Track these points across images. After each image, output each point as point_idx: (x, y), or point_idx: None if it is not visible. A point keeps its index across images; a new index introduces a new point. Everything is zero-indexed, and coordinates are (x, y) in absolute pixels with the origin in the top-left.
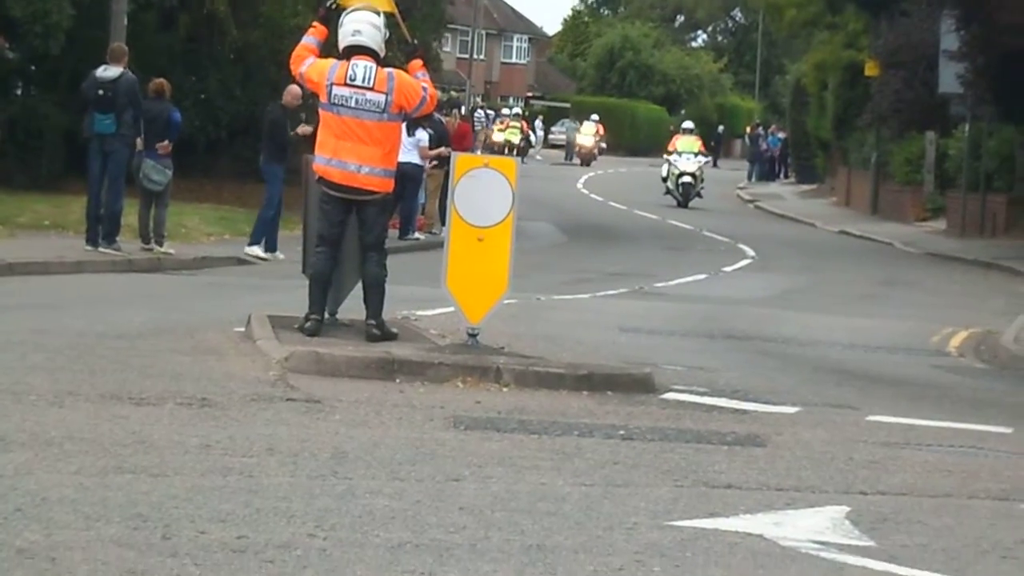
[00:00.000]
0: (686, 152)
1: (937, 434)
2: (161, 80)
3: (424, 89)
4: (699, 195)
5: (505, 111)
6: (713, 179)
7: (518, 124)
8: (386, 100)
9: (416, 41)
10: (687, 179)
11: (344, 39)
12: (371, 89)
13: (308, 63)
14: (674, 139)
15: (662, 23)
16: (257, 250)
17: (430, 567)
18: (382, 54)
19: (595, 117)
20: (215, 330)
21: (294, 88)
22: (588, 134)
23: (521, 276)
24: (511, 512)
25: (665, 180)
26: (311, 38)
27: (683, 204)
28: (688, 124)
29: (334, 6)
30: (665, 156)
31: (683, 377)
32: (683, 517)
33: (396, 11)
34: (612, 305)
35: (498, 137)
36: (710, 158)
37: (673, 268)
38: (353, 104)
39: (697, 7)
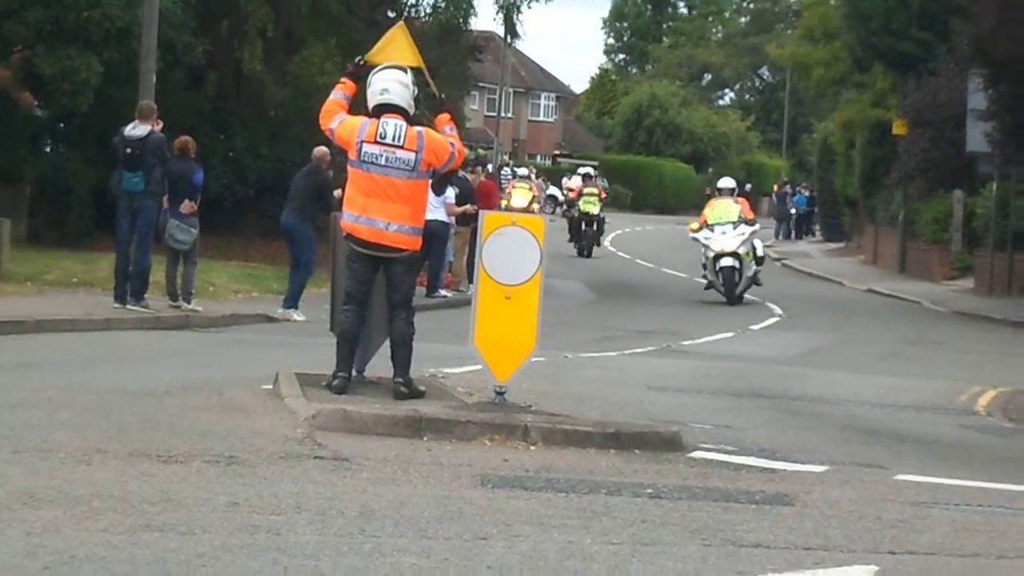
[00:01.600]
0: (722, 223)
1: (966, 493)
2: (186, 138)
3: (452, 144)
4: (756, 282)
5: (522, 171)
6: None
7: (526, 185)
8: (416, 158)
9: (443, 95)
10: (728, 261)
11: (373, 98)
12: (401, 147)
13: (338, 119)
14: (707, 205)
15: (689, 81)
16: (293, 314)
17: None
18: (411, 112)
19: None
20: (243, 387)
21: (324, 149)
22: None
23: (548, 334)
24: (539, 571)
25: (704, 268)
26: (340, 93)
27: (730, 300)
28: (727, 183)
29: (363, 63)
30: (691, 233)
31: (711, 435)
32: None
33: (424, 67)
34: (639, 363)
35: (518, 202)
36: (757, 225)
37: (700, 326)
38: (383, 162)
39: (724, 66)
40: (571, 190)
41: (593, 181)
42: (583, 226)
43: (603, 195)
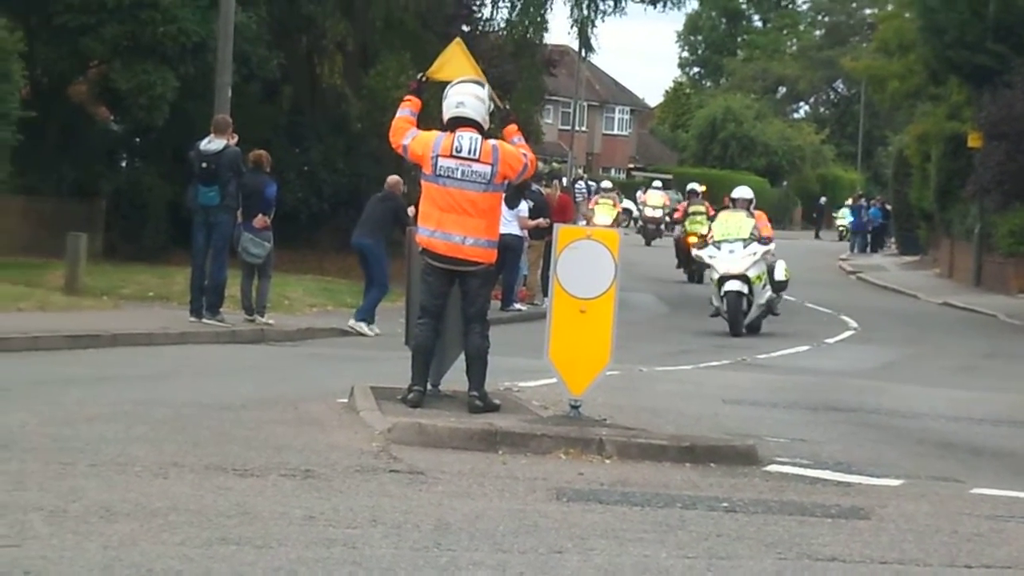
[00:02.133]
0: (731, 239)
1: None
2: (260, 152)
3: (524, 155)
4: (773, 312)
5: (606, 184)
6: (815, 250)
7: (609, 200)
8: (492, 171)
9: (507, 106)
10: (734, 285)
11: (448, 111)
12: (477, 160)
13: (411, 135)
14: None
15: (764, 94)
16: (364, 327)
17: None
18: (486, 126)
19: (658, 183)
20: (318, 401)
21: (397, 177)
22: (655, 204)
23: (623, 347)
24: None
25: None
26: (407, 111)
27: (734, 331)
28: (743, 192)
29: (425, 79)
30: (694, 250)
31: (786, 449)
32: None
33: (482, 76)
34: (714, 377)
35: (602, 219)
36: (772, 244)
37: (776, 340)
38: (459, 176)
39: (799, 79)
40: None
41: (699, 199)
42: (693, 249)
43: (711, 212)
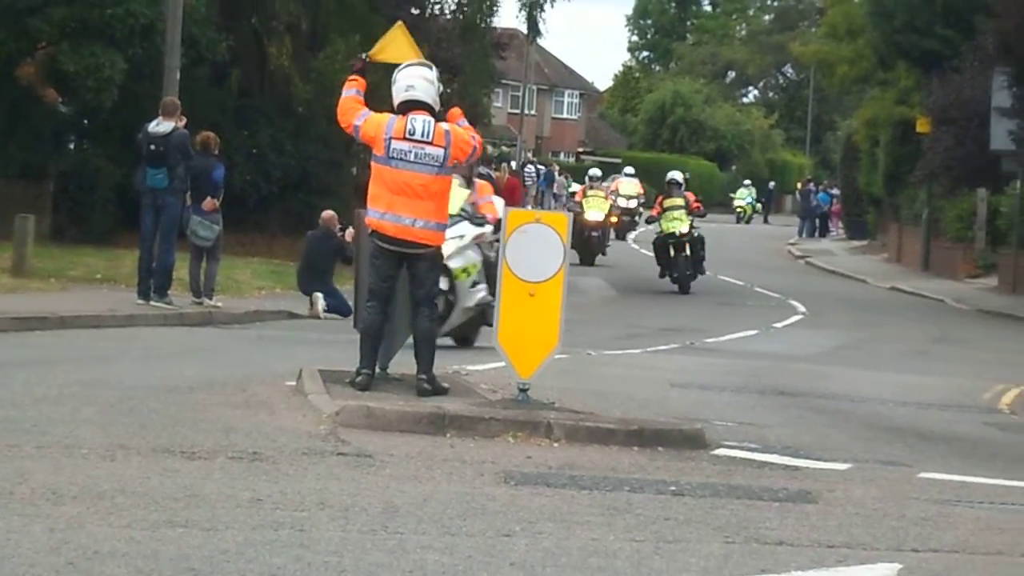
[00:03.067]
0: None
1: (989, 491)
2: (208, 134)
3: (473, 138)
4: (487, 322)
5: (594, 172)
6: (764, 235)
7: (601, 192)
8: (444, 154)
9: (448, 90)
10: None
11: (399, 95)
12: (430, 143)
13: (363, 116)
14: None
15: (713, 79)
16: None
17: None
18: (437, 108)
19: (630, 170)
20: (266, 384)
21: (331, 213)
22: (629, 194)
23: (571, 331)
24: (562, 568)
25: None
26: (354, 90)
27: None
28: (594, 172)
29: (367, 59)
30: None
31: (734, 433)
32: (735, 574)
33: (422, 59)
34: (663, 360)
35: (594, 215)
36: (487, 227)
37: (724, 324)
38: (412, 158)
39: (748, 63)
40: (627, 195)
41: (680, 190)
42: (672, 251)
43: (696, 205)
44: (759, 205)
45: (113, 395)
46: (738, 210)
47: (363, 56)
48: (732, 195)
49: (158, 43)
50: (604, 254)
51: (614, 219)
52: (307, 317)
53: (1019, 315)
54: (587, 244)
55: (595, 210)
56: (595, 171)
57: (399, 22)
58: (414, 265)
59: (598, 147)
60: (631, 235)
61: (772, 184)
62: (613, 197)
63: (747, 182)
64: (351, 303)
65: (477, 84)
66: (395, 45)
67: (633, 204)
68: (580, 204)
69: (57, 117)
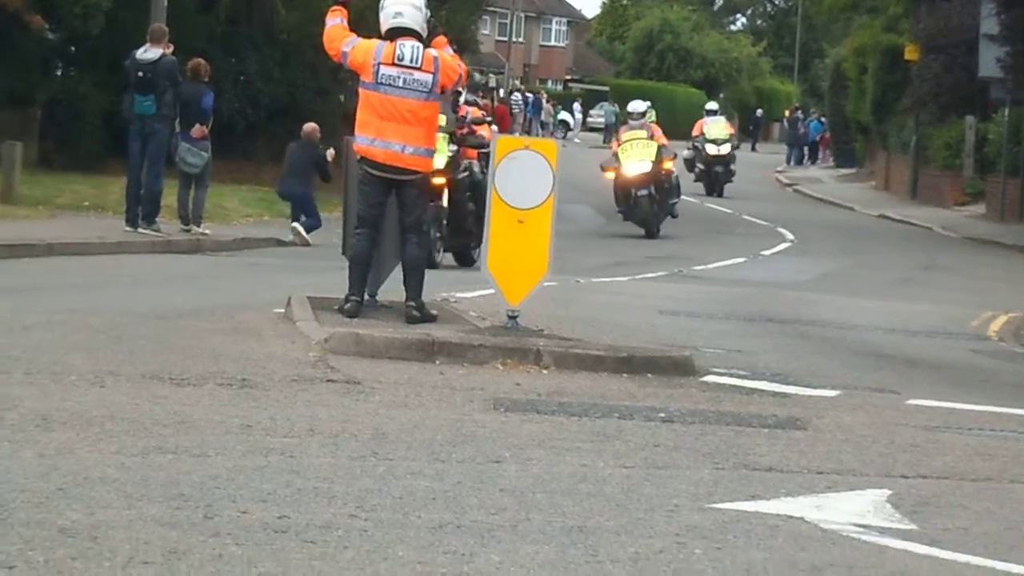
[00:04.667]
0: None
1: (978, 418)
2: (198, 60)
3: (459, 65)
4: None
5: (637, 105)
6: (752, 163)
7: (643, 132)
8: (433, 79)
9: (434, 21)
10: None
11: (387, 21)
12: (419, 69)
13: (350, 42)
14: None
15: (701, 6)
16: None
17: (471, 548)
18: (424, 35)
19: (712, 106)
20: (255, 311)
21: (313, 125)
22: (719, 137)
23: (560, 258)
24: (552, 494)
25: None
26: (339, 19)
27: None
28: (712, 105)
29: None
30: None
31: (723, 360)
32: (724, 500)
33: None
34: (651, 288)
35: (633, 168)
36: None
37: (712, 251)
38: (401, 84)
39: None
40: (716, 139)
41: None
42: (632, 194)
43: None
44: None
45: (101, 322)
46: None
47: None
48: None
49: None
50: (674, 215)
51: (668, 165)
52: (291, 245)
53: (1007, 242)
54: (637, 208)
55: (636, 159)
56: (637, 104)
57: None
58: (403, 192)
59: (586, 75)
60: (727, 187)
61: (760, 112)
62: (697, 145)
63: (712, 106)
64: (339, 233)
65: (464, 11)
66: None
67: (725, 149)
68: (616, 156)
69: (44, 44)
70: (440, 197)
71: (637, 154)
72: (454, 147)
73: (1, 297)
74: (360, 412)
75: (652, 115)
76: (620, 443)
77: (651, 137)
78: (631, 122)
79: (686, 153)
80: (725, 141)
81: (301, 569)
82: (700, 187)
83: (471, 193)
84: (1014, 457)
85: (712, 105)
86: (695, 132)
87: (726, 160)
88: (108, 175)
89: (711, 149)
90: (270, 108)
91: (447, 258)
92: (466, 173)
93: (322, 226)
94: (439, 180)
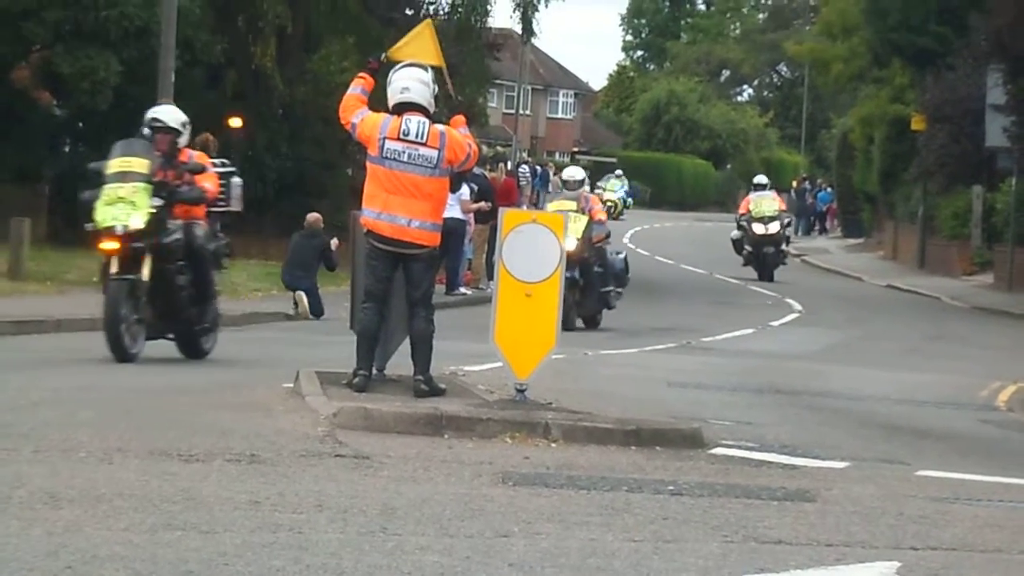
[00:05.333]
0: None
1: (987, 489)
2: (207, 135)
3: (469, 145)
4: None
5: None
6: None
7: (569, 204)
8: (439, 155)
9: (460, 98)
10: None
11: (393, 96)
12: (424, 144)
13: (360, 115)
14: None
15: (708, 78)
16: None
17: None
18: (432, 110)
19: (762, 179)
20: (263, 386)
21: (316, 215)
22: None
23: (568, 331)
24: (561, 568)
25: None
26: (359, 88)
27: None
28: (761, 179)
29: (385, 59)
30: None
31: (731, 432)
32: (733, 573)
33: (444, 66)
34: (659, 360)
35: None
36: (791, 218)
37: (720, 323)
38: (406, 159)
39: (743, 62)
40: (766, 217)
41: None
42: (763, 250)
43: (783, 206)
44: (631, 201)
45: (110, 398)
46: (608, 204)
47: (382, 56)
48: (601, 187)
49: (153, 45)
50: (610, 306)
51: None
52: (296, 317)
53: (1016, 312)
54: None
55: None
56: (574, 171)
57: (428, 20)
58: (410, 266)
59: (593, 147)
60: (778, 272)
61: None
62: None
63: (619, 172)
64: (347, 307)
65: (472, 85)
66: (419, 42)
67: (774, 228)
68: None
69: (52, 120)
70: (140, 268)
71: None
72: (159, 201)
73: (10, 373)
74: (369, 487)
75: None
76: (629, 516)
77: (583, 211)
78: (565, 191)
79: (734, 234)
80: (773, 219)
81: None
82: (749, 271)
83: (185, 263)
84: (1023, 528)
85: (761, 179)
86: (741, 210)
87: (776, 240)
88: None
89: (758, 228)
90: (277, 183)
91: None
92: (177, 236)
93: (324, 315)
94: (137, 245)
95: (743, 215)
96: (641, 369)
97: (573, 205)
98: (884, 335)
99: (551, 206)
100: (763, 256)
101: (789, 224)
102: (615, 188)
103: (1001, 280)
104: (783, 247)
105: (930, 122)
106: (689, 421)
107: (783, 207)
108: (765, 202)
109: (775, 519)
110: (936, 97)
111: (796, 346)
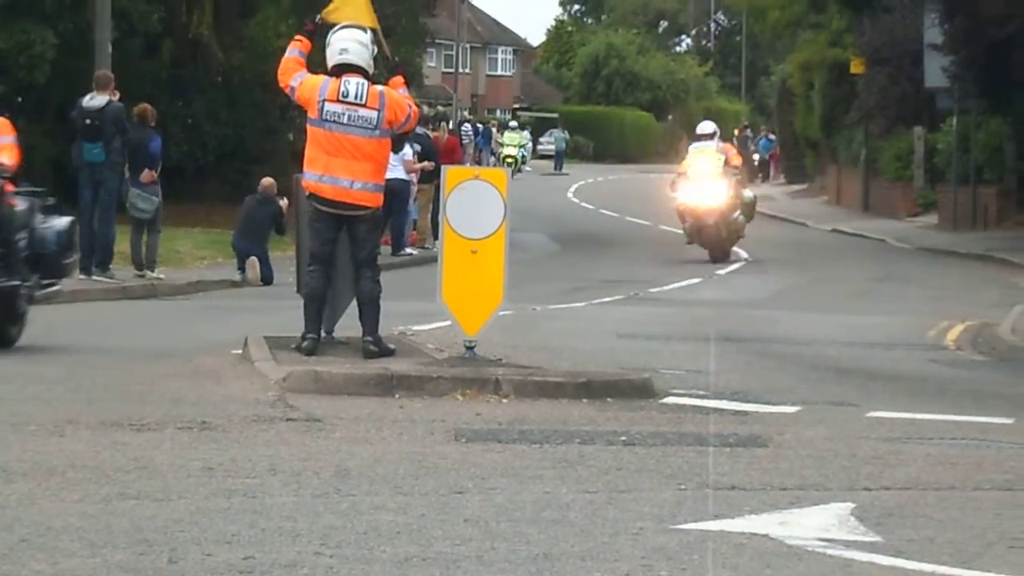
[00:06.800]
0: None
1: (939, 427)
2: (144, 105)
3: (409, 106)
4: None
5: (706, 127)
6: None
7: (712, 145)
8: (378, 116)
9: (397, 59)
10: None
11: (332, 58)
12: (363, 106)
13: (299, 78)
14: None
15: (646, 29)
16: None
17: None
18: (371, 71)
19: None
20: (212, 353)
21: (271, 180)
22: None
23: (515, 287)
24: (516, 522)
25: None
26: (296, 51)
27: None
28: (705, 127)
29: (320, 21)
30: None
31: (682, 381)
32: (688, 520)
33: (379, 28)
34: (608, 312)
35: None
36: (739, 174)
37: (668, 273)
38: (345, 120)
39: (680, 12)
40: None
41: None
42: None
43: (735, 161)
44: (526, 155)
45: (59, 371)
46: (507, 160)
47: (316, 18)
48: (501, 142)
49: (88, 17)
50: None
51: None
52: (243, 284)
53: (961, 251)
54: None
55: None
56: (705, 126)
57: None
58: (354, 227)
59: (534, 102)
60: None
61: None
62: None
63: (513, 123)
64: (293, 271)
65: (409, 45)
66: (351, 6)
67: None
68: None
69: None
70: None
71: (706, 159)
72: None
73: None
74: (321, 449)
75: None
76: (582, 468)
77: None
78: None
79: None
80: (715, 183)
81: None
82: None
83: None
84: (976, 465)
85: (705, 127)
86: (679, 168)
87: (721, 212)
88: None
89: (690, 200)
90: (218, 150)
91: None
92: None
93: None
94: None
95: (679, 175)
96: (590, 322)
97: (713, 148)
98: (831, 279)
99: (693, 150)
100: (704, 231)
101: (739, 180)
102: (513, 141)
103: (945, 220)
104: (735, 215)
105: (869, 65)
106: (639, 371)
107: (735, 162)
108: (703, 158)
109: (728, 465)
110: (874, 40)
111: (744, 293)
